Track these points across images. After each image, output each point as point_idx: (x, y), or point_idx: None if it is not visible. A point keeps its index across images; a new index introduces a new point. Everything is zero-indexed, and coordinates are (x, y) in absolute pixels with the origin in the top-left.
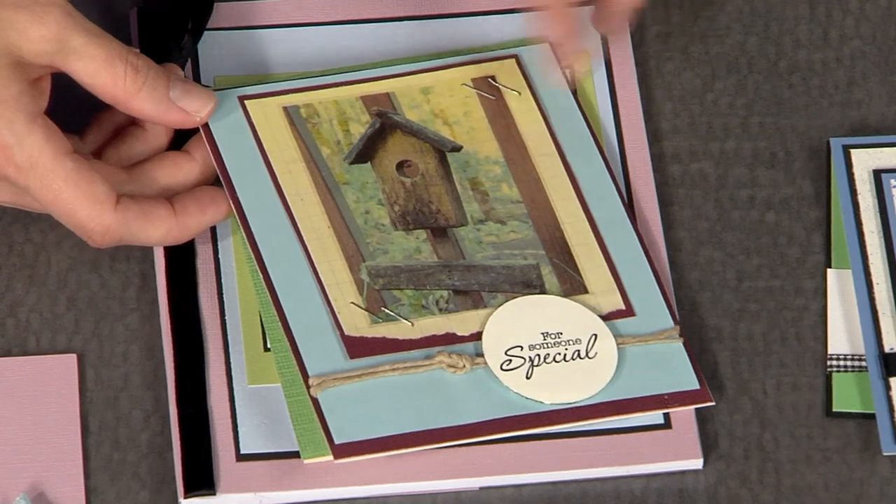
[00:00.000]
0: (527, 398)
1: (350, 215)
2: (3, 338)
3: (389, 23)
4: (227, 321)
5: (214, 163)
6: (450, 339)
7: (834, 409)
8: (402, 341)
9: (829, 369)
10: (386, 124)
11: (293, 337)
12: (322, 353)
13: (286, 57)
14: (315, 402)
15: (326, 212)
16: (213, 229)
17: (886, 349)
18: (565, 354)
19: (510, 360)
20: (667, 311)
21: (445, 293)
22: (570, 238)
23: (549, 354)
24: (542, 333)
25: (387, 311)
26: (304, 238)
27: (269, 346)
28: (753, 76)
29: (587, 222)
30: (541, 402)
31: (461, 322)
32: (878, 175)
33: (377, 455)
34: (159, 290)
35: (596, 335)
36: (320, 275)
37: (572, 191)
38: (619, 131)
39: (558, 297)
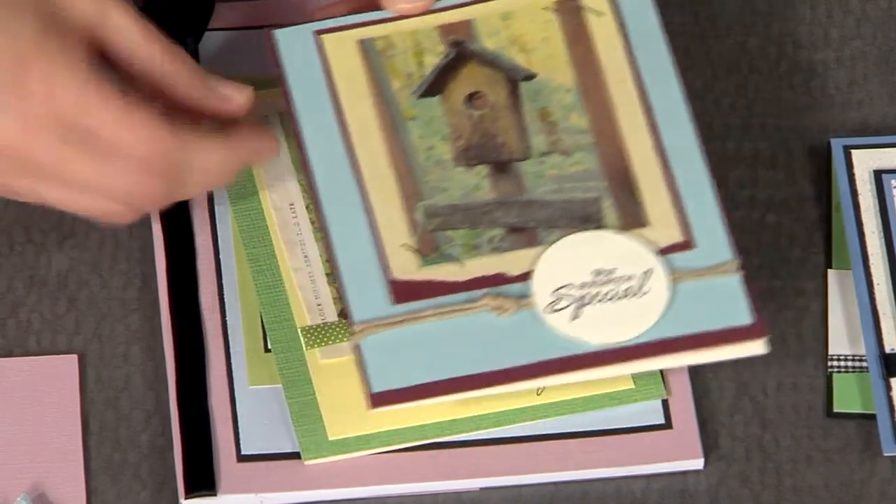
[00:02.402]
0: (573, 340)
1: (412, 153)
2: (4, 338)
3: None
4: (227, 322)
5: (282, 98)
6: (499, 279)
7: (834, 410)
8: (450, 283)
9: (829, 370)
10: (461, 54)
11: (341, 279)
12: (368, 298)
13: None
14: (357, 348)
15: (389, 150)
16: (214, 230)
17: (887, 349)
18: (616, 293)
19: (558, 301)
20: (727, 243)
21: (500, 231)
22: (634, 168)
23: (598, 293)
24: (595, 271)
25: (438, 252)
26: (363, 177)
27: (269, 346)
28: (754, 77)
29: (655, 151)
30: (586, 344)
31: (512, 261)
32: (878, 175)
33: (413, 403)
34: (160, 290)
35: (650, 271)
36: (375, 215)
37: (644, 118)
38: None
39: (614, 233)
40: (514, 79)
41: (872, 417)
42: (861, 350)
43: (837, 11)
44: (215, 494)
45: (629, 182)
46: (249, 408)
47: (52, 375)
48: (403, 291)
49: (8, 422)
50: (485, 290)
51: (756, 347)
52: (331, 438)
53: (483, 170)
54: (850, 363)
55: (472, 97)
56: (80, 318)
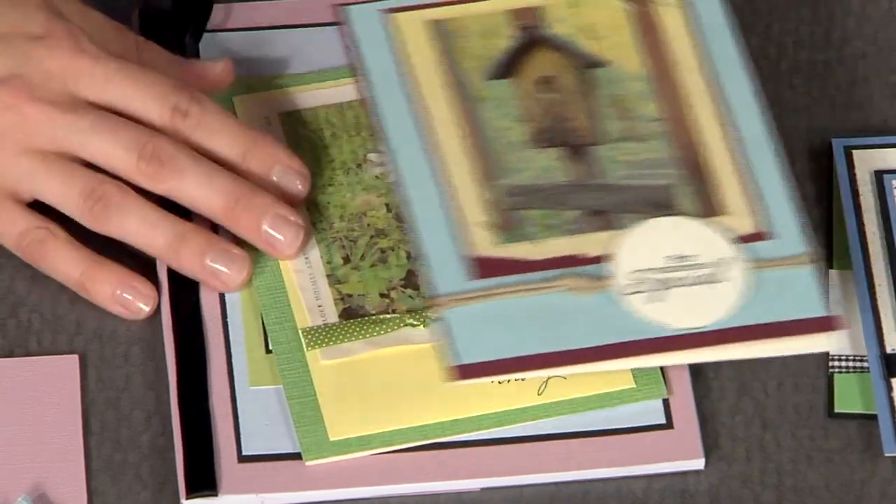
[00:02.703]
0: (651, 322)
1: (486, 133)
2: (5, 338)
3: None
4: (228, 322)
5: (354, 74)
6: (575, 261)
7: (835, 410)
8: (528, 262)
9: (830, 370)
10: (532, 38)
11: (422, 253)
12: (448, 273)
13: (287, 58)
14: (440, 321)
15: (462, 129)
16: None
17: (888, 350)
18: (693, 278)
19: (636, 284)
20: (801, 236)
21: (576, 213)
22: (708, 158)
23: (676, 278)
24: (671, 256)
25: (515, 230)
26: (441, 155)
27: (270, 347)
28: (754, 76)
29: (727, 142)
30: (665, 327)
31: (589, 243)
32: (879, 176)
33: (496, 377)
34: (161, 290)
35: (726, 259)
36: (454, 192)
37: (715, 109)
38: None
39: (691, 219)
40: (585, 65)
41: (873, 418)
42: (862, 350)
43: (838, 11)
44: (216, 495)
45: (703, 171)
46: (250, 408)
47: (53, 375)
48: (482, 268)
49: (8, 422)
50: (562, 270)
51: (825, 341)
52: (332, 439)
53: (557, 152)
54: (850, 363)
55: (542, 81)
56: (80, 318)
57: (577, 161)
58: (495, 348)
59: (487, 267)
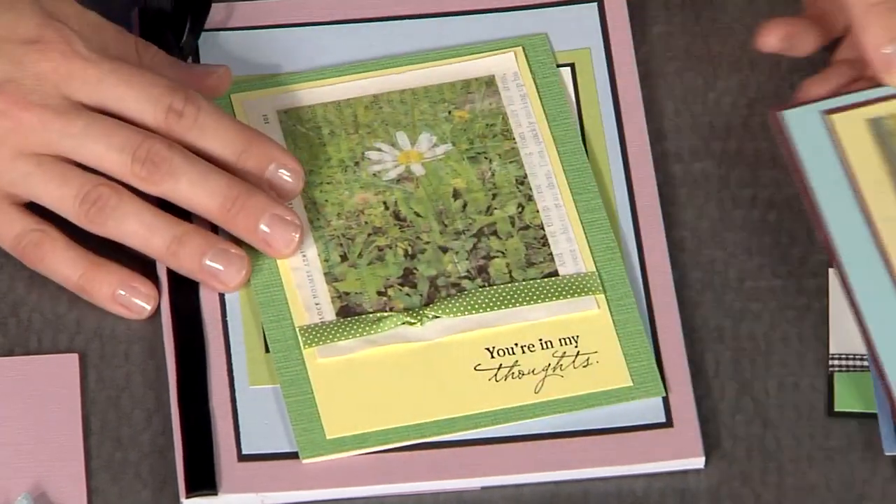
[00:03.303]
0: None
1: None
2: (5, 337)
3: (391, 22)
4: (228, 321)
5: (797, 180)
6: None
7: (836, 409)
8: None
9: (830, 369)
10: None
11: (887, 377)
12: None
13: (286, 56)
14: None
15: None
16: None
17: None
18: None
19: None
20: None
21: None
22: None
23: None
24: None
25: None
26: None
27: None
28: (755, 76)
29: None
30: None
31: None
32: None
33: None
34: (161, 289)
35: None
36: None
37: None
38: (620, 130)
39: None
40: None
41: (874, 417)
42: (862, 349)
43: None
44: (216, 494)
45: None
46: (250, 407)
47: (54, 374)
48: None
49: (9, 421)
50: None
51: None
52: (328, 437)
53: None
54: (850, 363)
55: None
56: (81, 317)
57: None
58: None
59: None
